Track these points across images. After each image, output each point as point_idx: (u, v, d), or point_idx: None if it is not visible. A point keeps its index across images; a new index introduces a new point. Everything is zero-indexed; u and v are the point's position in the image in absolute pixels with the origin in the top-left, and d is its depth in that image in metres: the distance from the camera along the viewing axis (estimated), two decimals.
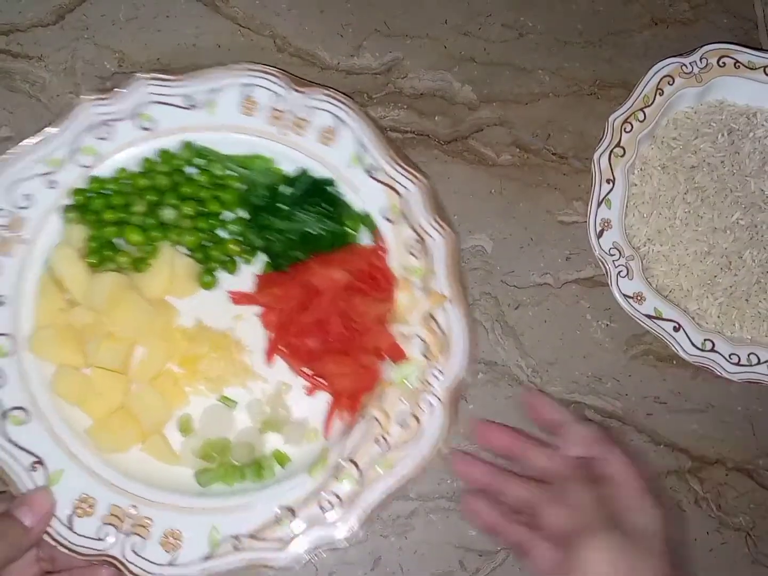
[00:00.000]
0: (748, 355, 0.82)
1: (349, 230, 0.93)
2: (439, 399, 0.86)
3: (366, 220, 0.91)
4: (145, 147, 0.91)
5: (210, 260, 0.92)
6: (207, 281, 0.91)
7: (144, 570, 0.81)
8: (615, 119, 0.83)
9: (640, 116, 0.83)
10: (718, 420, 0.83)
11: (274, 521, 0.83)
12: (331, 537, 0.83)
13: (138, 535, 0.82)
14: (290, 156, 0.92)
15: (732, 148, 0.85)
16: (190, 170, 0.93)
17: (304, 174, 0.92)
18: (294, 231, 0.93)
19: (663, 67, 0.84)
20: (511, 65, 0.90)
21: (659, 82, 0.84)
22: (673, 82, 0.84)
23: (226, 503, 0.84)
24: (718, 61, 0.84)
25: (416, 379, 0.87)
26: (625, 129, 0.83)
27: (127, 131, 0.89)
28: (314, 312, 0.89)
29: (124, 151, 0.90)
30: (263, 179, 0.93)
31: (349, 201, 0.92)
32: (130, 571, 0.81)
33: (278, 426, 0.89)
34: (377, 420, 0.86)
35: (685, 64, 0.84)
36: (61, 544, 0.81)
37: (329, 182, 0.92)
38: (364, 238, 0.92)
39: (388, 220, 0.90)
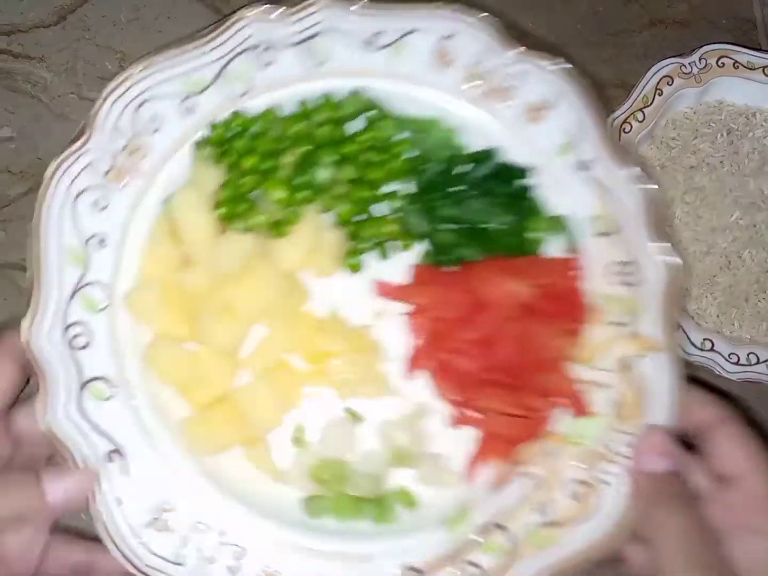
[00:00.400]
0: (748, 355, 0.80)
1: (535, 234, 0.73)
2: (624, 470, 0.67)
3: (561, 226, 0.72)
4: (309, 87, 0.72)
5: (360, 239, 0.73)
6: (353, 263, 0.73)
7: None
8: (614, 120, 0.82)
9: (639, 116, 0.82)
10: None
11: None
12: None
13: (225, 566, 0.65)
14: (481, 129, 0.74)
15: (731, 148, 0.84)
16: (354, 125, 0.74)
17: (491, 153, 0.73)
18: (466, 221, 0.74)
19: (662, 68, 0.82)
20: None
21: (658, 83, 0.82)
22: (672, 82, 0.82)
23: (337, 546, 0.66)
24: (717, 62, 0.83)
25: (597, 440, 0.67)
26: (624, 129, 0.82)
27: (292, 62, 0.71)
28: (480, 328, 0.71)
29: (283, 88, 0.71)
30: (440, 151, 0.74)
31: (544, 198, 0.72)
32: None
33: (412, 459, 0.70)
34: (541, 482, 0.68)
35: (684, 65, 0.82)
36: (130, 562, 0.63)
37: (524, 171, 0.72)
38: (553, 249, 0.72)
39: (594, 232, 0.71)
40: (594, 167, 0.71)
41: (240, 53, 0.70)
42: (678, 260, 0.69)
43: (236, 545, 0.66)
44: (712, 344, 0.81)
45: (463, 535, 0.68)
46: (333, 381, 0.72)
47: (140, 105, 0.69)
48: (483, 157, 0.75)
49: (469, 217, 0.75)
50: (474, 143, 0.75)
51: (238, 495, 0.68)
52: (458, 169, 0.75)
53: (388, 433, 0.72)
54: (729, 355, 0.81)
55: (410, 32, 0.72)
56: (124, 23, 0.85)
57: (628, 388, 0.69)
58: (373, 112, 0.74)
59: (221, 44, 0.70)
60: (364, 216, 0.74)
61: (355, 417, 0.72)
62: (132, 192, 0.69)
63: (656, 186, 0.70)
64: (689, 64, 0.83)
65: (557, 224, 0.73)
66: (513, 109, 0.73)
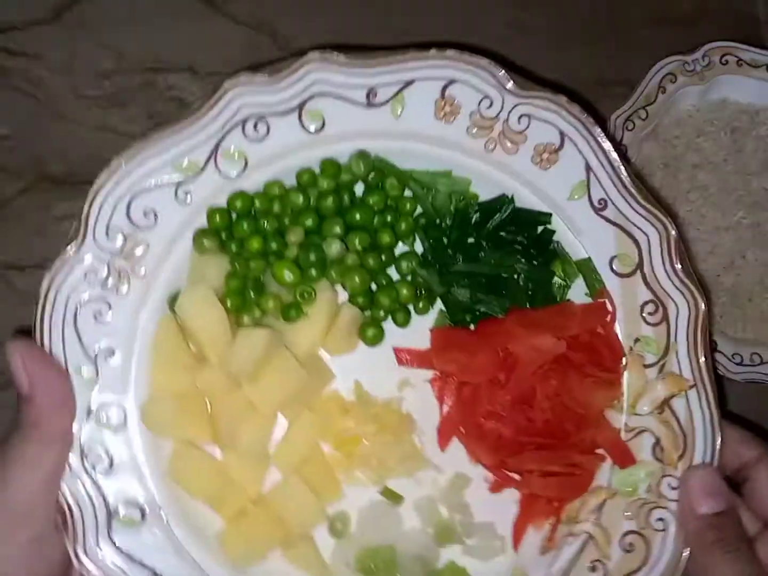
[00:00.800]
0: (751, 355, 0.80)
1: (560, 280, 0.71)
2: (675, 515, 0.66)
3: (587, 270, 0.69)
4: (307, 155, 0.67)
5: (377, 308, 0.69)
6: (372, 335, 0.69)
7: None
8: (617, 118, 0.81)
9: (642, 114, 0.81)
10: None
11: None
12: None
13: None
14: (491, 177, 0.70)
15: (735, 147, 0.84)
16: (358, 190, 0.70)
17: (506, 201, 0.70)
18: (483, 275, 0.71)
19: (665, 65, 0.82)
20: (512, 63, 0.81)
21: (661, 80, 0.81)
22: (676, 80, 0.82)
23: None
24: (720, 59, 0.82)
25: (646, 488, 0.66)
26: (627, 127, 0.81)
27: (286, 132, 0.66)
28: (512, 389, 0.68)
29: (281, 160, 0.66)
30: (450, 204, 0.71)
31: (565, 243, 0.69)
32: None
33: (458, 535, 0.68)
34: (593, 538, 0.66)
35: (687, 62, 0.81)
36: None
37: (542, 217, 0.69)
38: (578, 295, 0.70)
39: (617, 273, 0.68)
40: (610, 206, 0.68)
41: (232, 128, 0.65)
42: (701, 296, 0.67)
43: None
44: (716, 345, 0.80)
45: None
46: (367, 463, 0.68)
47: (132, 199, 0.63)
48: (496, 206, 0.71)
49: (487, 271, 0.71)
50: (484, 193, 0.71)
51: None
52: (471, 220, 0.71)
53: (430, 508, 0.69)
54: (732, 356, 0.80)
55: (408, 84, 0.67)
56: (121, 20, 0.83)
57: (669, 431, 0.67)
58: (376, 174, 0.69)
59: (211, 122, 0.64)
60: (377, 284, 0.70)
61: (394, 497, 0.69)
62: (134, 297, 0.64)
63: (676, 223, 0.68)
64: (692, 61, 0.82)
65: (583, 268, 0.70)
66: (523, 154, 0.69)
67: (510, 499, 0.70)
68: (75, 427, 0.61)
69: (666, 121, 0.84)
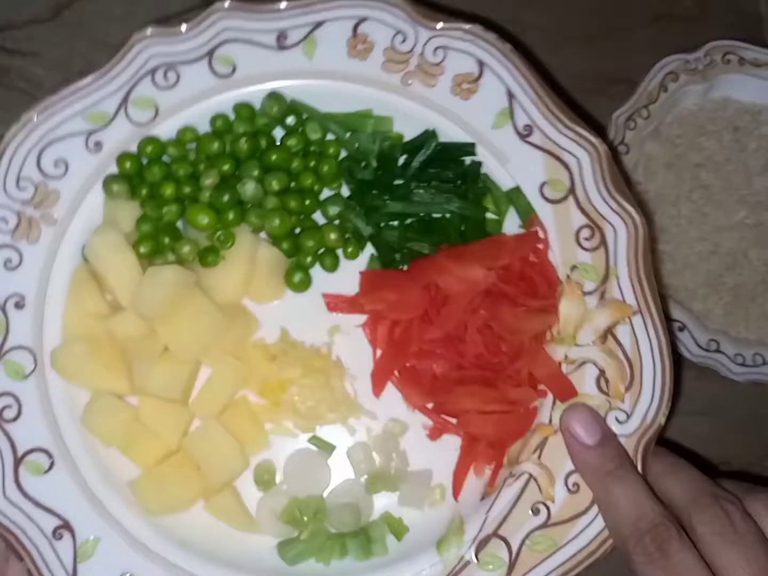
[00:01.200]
0: (754, 356, 0.78)
1: (492, 214, 0.67)
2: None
3: (517, 200, 0.66)
4: (220, 100, 0.67)
5: (302, 253, 0.67)
6: (298, 281, 0.67)
7: None
8: (619, 116, 0.79)
9: (644, 113, 0.80)
10: (724, 421, 0.81)
11: None
12: None
13: None
14: (413, 114, 0.68)
15: (737, 146, 0.82)
16: (277, 133, 0.69)
17: (430, 136, 0.67)
18: (413, 214, 0.68)
19: (667, 64, 0.80)
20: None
21: (663, 79, 0.80)
22: (678, 79, 0.80)
23: None
24: (722, 58, 0.81)
25: None
26: (628, 126, 0.80)
27: (197, 78, 0.66)
28: (443, 325, 0.64)
29: (192, 106, 0.67)
30: (373, 145, 0.69)
31: (493, 174, 0.66)
32: None
33: (392, 482, 0.63)
34: (534, 480, 0.61)
35: (689, 61, 0.80)
36: None
37: (467, 148, 0.66)
38: (512, 226, 0.66)
39: (548, 200, 0.64)
40: (536, 131, 0.65)
41: (141, 78, 0.66)
42: (638, 216, 0.62)
43: None
44: (718, 345, 0.79)
45: (459, 555, 0.60)
46: (295, 411, 0.65)
47: (43, 149, 0.64)
48: (421, 143, 0.69)
49: (416, 210, 0.69)
50: (409, 130, 0.69)
51: (206, 553, 0.61)
52: (397, 161, 0.69)
53: (363, 457, 0.65)
54: (735, 356, 0.79)
55: (319, 25, 0.67)
56: (119, 18, 0.82)
57: (614, 361, 0.62)
58: (294, 117, 0.68)
59: (120, 73, 0.65)
60: (301, 228, 0.68)
61: (324, 446, 0.65)
62: (45, 245, 0.64)
63: (606, 143, 0.64)
64: (694, 60, 0.81)
65: (513, 197, 0.67)
66: (442, 87, 0.67)
67: (450, 446, 0.66)
68: None
69: (668, 120, 0.82)
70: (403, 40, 0.66)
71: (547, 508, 0.61)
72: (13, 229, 0.63)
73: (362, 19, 0.66)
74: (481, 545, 0.60)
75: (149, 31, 0.65)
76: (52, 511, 0.60)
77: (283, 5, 0.65)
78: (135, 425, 0.62)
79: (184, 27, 0.65)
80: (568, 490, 0.61)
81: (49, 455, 0.61)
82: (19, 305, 0.63)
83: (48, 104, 0.64)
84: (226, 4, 0.65)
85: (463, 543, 0.61)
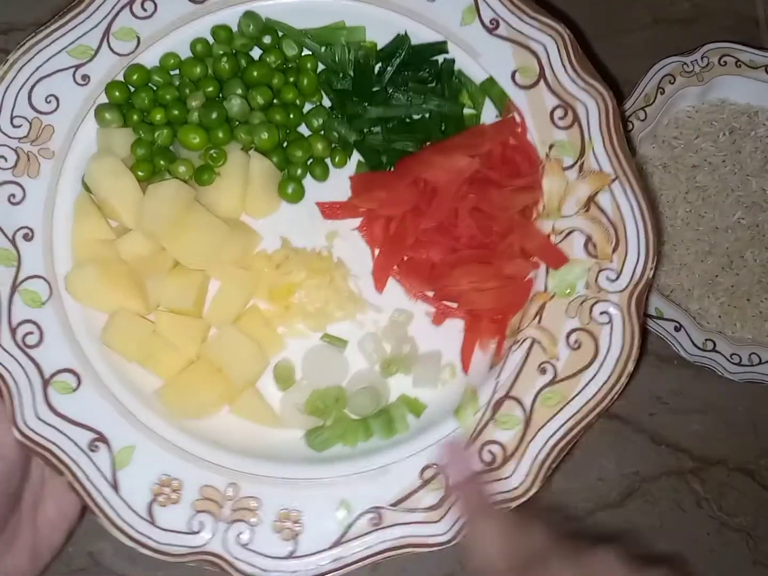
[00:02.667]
0: (750, 355, 0.79)
1: (469, 109, 0.71)
2: (618, 306, 0.64)
3: (491, 90, 0.69)
4: (198, 25, 0.70)
5: (292, 164, 0.70)
6: (292, 192, 0.70)
7: (257, 567, 0.60)
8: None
9: (641, 115, 0.81)
10: (720, 420, 0.82)
11: (420, 485, 0.62)
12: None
13: (243, 521, 0.61)
14: (384, 21, 0.71)
15: (733, 148, 0.83)
16: (255, 53, 0.72)
17: (402, 41, 0.70)
18: (394, 118, 0.71)
19: (664, 66, 0.81)
20: None
21: (660, 81, 0.81)
22: (674, 81, 0.82)
23: (352, 469, 0.63)
24: (719, 60, 0.82)
25: (584, 285, 0.65)
26: (626, 128, 0.80)
27: (174, 5, 0.68)
28: (435, 214, 0.68)
29: (172, 33, 0.69)
30: (349, 55, 0.72)
31: (466, 70, 0.70)
32: (240, 571, 0.59)
33: (404, 364, 0.67)
34: (538, 343, 0.65)
35: (686, 63, 0.81)
36: (142, 545, 0.59)
37: (439, 47, 0.70)
38: (490, 118, 0.70)
39: (520, 86, 0.68)
40: (502, 24, 0.69)
41: (120, 10, 0.68)
42: (606, 90, 0.66)
43: (250, 497, 0.62)
44: (714, 345, 0.80)
45: (476, 419, 0.64)
46: (305, 313, 0.68)
47: (33, 87, 0.66)
48: (393, 48, 0.72)
49: (396, 113, 0.72)
50: (381, 37, 0.72)
51: (239, 449, 0.64)
52: (372, 68, 0.72)
53: (374, 346, 0.68)
54: (731, 356, 0.79)
55: None
56: None
57: (598, 226, 0.66)
58: (270, 36, 0.71)
59: (98, 8, 0.67)
60: (289, 141, 0.71)
61: (336, 341, 0.68)
62: (45, 178, 0.66)
63: (566, 27, 0.68)
64: (691, 62, 0.82)
65: (487, 88, 0.70)
66: None
67: (454, 329, 0.69)
68: (1, 306, 0.63)
69: (665, 122, 0.84)
70: None
71: (553, 366, 0.64)
72: (13, 166, 0.65)
73: None
74: (496, 407, 0.64)
75: None
76: (86, 425, 0.62)
77: None
78: (153, 339, 0.65)
79: None
80: (570, 347, 0.65)
81: (76, 374, 0.63)
82: (27, 237, 0.65)
83: (32, 44, 0.66)
84: None
85: (479, 408, 0.64)
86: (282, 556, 0.60)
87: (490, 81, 0.70)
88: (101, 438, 0.62)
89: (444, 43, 0.70)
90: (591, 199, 0.67)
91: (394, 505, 0.61)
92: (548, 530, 0.56)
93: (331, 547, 0.61)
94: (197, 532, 0.61)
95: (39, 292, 0.64)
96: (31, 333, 0.63)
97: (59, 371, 0.63)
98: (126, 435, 0.63)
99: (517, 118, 0.69)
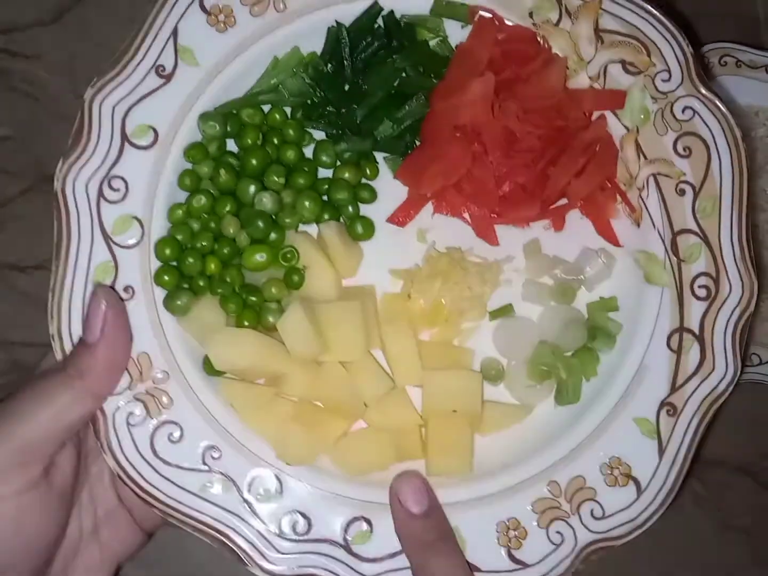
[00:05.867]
0: (750, 356, 0.80)
1: (433, 37, 0.69)
2: (689, 90, 0.65)
3: (444, 10, 0.68)
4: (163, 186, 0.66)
5: (343, 207, 0.68)
6: (363, 230, 0.69)
7: None
8: None
9: None
10: (720, 421, 0.77)
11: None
12: None
13: None
14: (306, 27, 0.68)
15: None
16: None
17: (335, 32, 0.67)
18: (382, 100, 0.68)
19: None
20: None
21: None
22: None
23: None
24: (719, 60, 0.82)
25: (651, 101, 0.66)
26: None
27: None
28: (494, 145, 0.67)
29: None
30: (299, 80, 0.68)
31: (408, 10, 0.68)
32: None
33: (571, 280, 0.67)
34: (659, 175, 0.66)
35: None
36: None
37: (371, 12, 0.68)
38: (460, 35, 0.68)
39: None
40: None
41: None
42: None
43: None
44: None
45: (668, 269, 0.66)
46: (461, 310, 0.68)
47: None
48: (332, 44, 0.68)
49: (379, 96, 0.68)
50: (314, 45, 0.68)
51: None
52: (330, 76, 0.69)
53: (535, 289, 0.69)
54: None
55: None
56: (122, 21, 0.79)
57: (620, 48, 0.67)
58: (231, 120, 0.66)
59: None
60: (322, 194, 0.68)
61: (504, 310, 0.69)
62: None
63: None
64: None
65: (439, 11, 0.68)
66: None
67: (578, 226, 0.70)
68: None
69: None
70: None
71: (685, 182, 0.66)
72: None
73: None
74: (674, 249, 0.66)
75: None
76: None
77: None
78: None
79: None
80: (684, 157, 0.66)
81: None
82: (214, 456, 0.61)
83: None
84: None
85: (661, 259, 0.66)
86: None
87: (437, 2, 0.67)
88: None
89: (375, 3, 0.67)
90: (598, 30, 0.67)
91: None
92: None
93: None
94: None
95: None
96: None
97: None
98: None
99: (486, 14, 0.67)
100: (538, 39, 0.67)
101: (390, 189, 0.69)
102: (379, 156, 0.70)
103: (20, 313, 0.68)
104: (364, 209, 0.69)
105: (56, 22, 0.82)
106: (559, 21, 0.67)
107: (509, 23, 0.68)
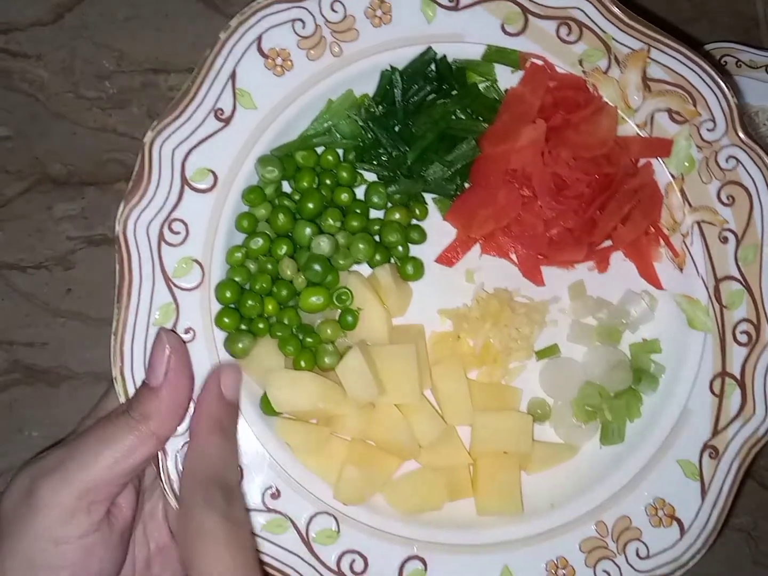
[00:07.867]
0: None
1: (485, 79, 0.70)
2: (733, 140, 0.67)
3: (495, 55, 0.69)
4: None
5: (393, 248, 0.69)
6: (413, 271, 0.70)
7: None
8: None
9: None
10: None
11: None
12: None
13: None
14: (360, 69, 0.68)
15: None
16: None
17: (388, 75, 0.68)
18: (432, 142, 0.69)
19: None
20: None
21: None
22: None
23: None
24: (719, 60, 0.82)
25: (696, 150, 0.68)
26: None
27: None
28: (543, 191, 0.68)
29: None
30: (353, 123, 0.68)
31: (459, 56, 0.69)
32: None
33: (617, 322, 0.69)
34: (703, 223, 0.68)
35: None
36: None
37: (426, 57, 0.69)
38: (511, 80, 0.70)
39: (513, 34, 0.68)
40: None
41: None
42: None
43: None
44: None
45: (711, 316, 0.68)
46: (511, 349, 0.70)
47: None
48: (384, 87, 0.69)
49: (429, 138, 0.70)
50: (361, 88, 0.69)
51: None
52: (382, 117, 0.70)
53: (579, 330, 0.70)
54: None
55: None
56: (122, 21, 0.83)
57: (667, 96, 0.69)
58: (287, 162, 0.67)
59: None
60: (374, 234, 0.69)
61: (549, 351, 0.71)
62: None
63: None
64: None
65: (490, 57, 0.69)
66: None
67: (621, 268, 0.72)
68: None
69: None
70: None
71: (728, 230, 0.68)
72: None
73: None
74: (717, 295, 0.67)
75: None
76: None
77: None
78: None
79: None
80: (728, 205, 0.68)
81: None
82: (274, 496, 0.62)
83: None
84: None
85: (705, 305, 0.67)
86: None
87: (489, 48, 0.68)
88: None
89: (429, 49, 0.68)
90: (645, 79, 0.68)
91: None
92: None
93: None
94: None
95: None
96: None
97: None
98: None
99: (537, 61, 0.68)
100: (588, 86, 0.69)
101: (438, 229, 0.70)
102: (428, 196, 0.71)
103: (20, 313, 0.68)
104: (413, 249, 0.70)
105: (56, 23, 0.82)
106: (608, 69, 0.68)
107: (560, 71, 0.69)
